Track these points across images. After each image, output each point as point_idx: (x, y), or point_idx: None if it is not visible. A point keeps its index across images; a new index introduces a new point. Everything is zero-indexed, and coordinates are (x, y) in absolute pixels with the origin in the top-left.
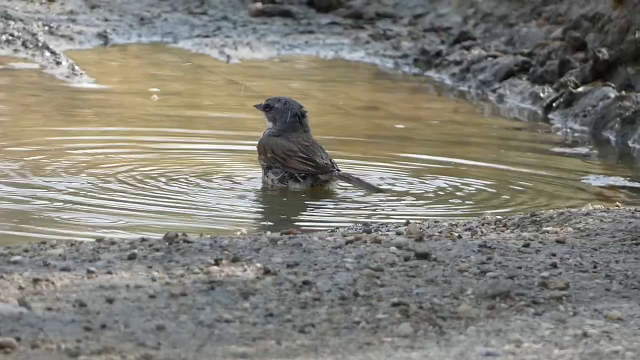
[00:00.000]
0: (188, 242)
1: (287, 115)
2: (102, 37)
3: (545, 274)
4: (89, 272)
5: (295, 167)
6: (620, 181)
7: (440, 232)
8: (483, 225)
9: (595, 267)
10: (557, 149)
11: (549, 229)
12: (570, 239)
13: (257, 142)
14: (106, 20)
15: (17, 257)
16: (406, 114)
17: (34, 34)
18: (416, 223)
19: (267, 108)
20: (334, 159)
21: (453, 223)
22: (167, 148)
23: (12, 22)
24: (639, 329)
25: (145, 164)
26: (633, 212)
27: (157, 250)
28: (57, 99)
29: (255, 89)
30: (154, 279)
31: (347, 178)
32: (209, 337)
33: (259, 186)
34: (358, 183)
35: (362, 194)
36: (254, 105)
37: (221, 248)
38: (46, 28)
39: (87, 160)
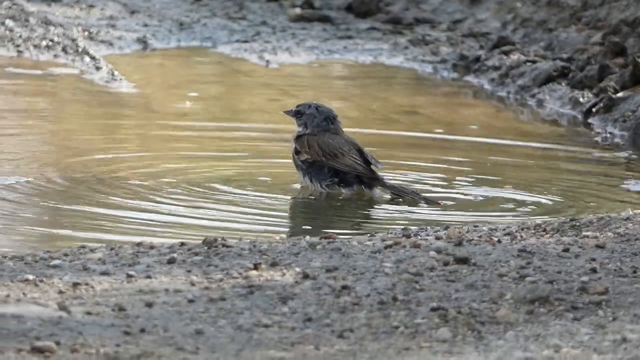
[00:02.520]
0: (227, 246)
1: (320, 119)
2: (142, 42)
3: (584, 278)
4: (129, 276)
5: (348, 164)
6: None
7: (479, 237)
8: (522, 230)
9: (635, 272)
10: (596, 154)
11: (588, 233)
12: (610, 243)
13: (293, 139)
14: (145, 25)
15: (57, 261)
16: (445, 119)
17: (73, 40)
18: (456, 227)
19: (297, 114)
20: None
21: (492, 227)
22: (205, 152)
23: (52, 28)
24: None
25: (184, 168)
26: None
27: (196, 254)
28: (97, 103)
29: (295, 94)
30: (193, 284)
31: (393, 188)
32: (248, 341)
33: (298, 190)
34: (405, 194)
35: (401, 198)
36: (284, 112)
37: (260, 252)
38: (86, 33)
39: (127, 164)
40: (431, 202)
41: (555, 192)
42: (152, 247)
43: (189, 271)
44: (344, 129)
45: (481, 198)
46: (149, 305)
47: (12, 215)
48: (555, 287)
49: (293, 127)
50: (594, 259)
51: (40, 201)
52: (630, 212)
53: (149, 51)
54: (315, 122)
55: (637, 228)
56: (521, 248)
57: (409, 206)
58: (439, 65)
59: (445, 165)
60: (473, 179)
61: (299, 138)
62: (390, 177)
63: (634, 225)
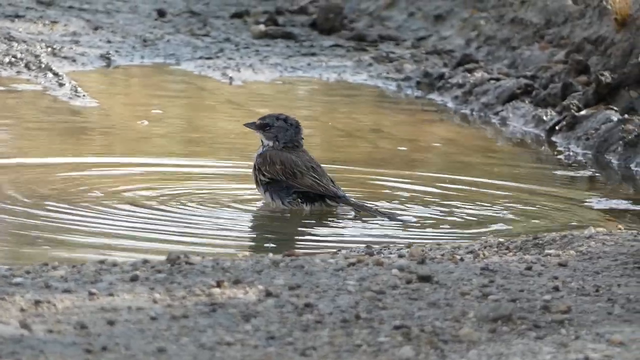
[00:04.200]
0: (190, 263)
1: (292, 131)
2: (105, 58)
3: (547, 297)
4: (91, 294)
5: (307, 185)
6: (622, 204)
7: (442, 255)
8: (485, 248)
9: (597, 290)
10: (559, 172)
11: (551, 252)
12: (572, 262)
13: (256, 156)
14: (109, 41)
15: (19, 279)
16: (408, 136)
17: (37, 56)
18: (418, 245)
19: (265, 127)
20: (337, 183)
21: (455, 246)
22: (168, 170)
23: (15, 44)
24: None
25: (146, 186)
26: (635, 236)
27: (159, 271)
28: (60, 120)
29: (259, 111)
30: (155, 301)
31: (356, 205)
32: (210, 359)
33: (261, 208)
34: (368, 211)
35: (365, 216)
36: (245, 124)
37: (223, 270)
38: (49, 49)
39: (89, 181)
40: (394, 219)
41: (518, 210)
42: (114, 264)
43: (151, 289)
44: (308, 147)
45: (443, 215)
46: (111, 323)
47: None
48: (518, 305)
49: (255, 145)
50: (556, 278)
51: (2, 218)
52: (593, 231)
53: (113, 68)
54: (288, 135)
55: (600, 246)
56: (484, 266)
57: (372, 224)
58: (402, 83)
59: (408, 183)
60: (436, 197)
61: (261, 154)
62: (352, 194)
63: (596, 244)
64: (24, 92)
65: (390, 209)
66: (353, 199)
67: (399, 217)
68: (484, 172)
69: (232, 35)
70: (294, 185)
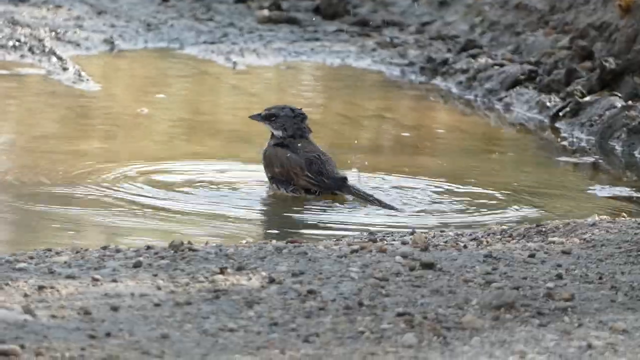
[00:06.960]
0: (193, 250)
1: (298, 121)
2: (109, 43)
3: (550, 284)
4: (94, 279)
5: (302, 186)
6: (626, 192)
7: (445, 242)
8: (489, 235)
9: (600, 278)
10: (563, 159)
11: (554, 239)
12: (575, 249)
13: (262, 152)
14: (113, 26)
15: (23, 264)
16: (412, 122)
17: (40, 40)
18: (422, 232)
19: (271, 118)
20: (343, 171)
21: (459, 233)
22: (171, 154)
23: (19, 28)
24: None
25: (150, 170)
26: (639, 223)
27: (163, 258)
28: (63, 104)
29: (263, 96)
30: (159, 287)
31: (358, 195)
32: (213, 346)
33: (265, 194)
34: (360, 197)
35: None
36: (250, 117)
37: (226, 256)
38: (53, 34)
39: (93, 166)
40: (392, 208)
41: (522, 197)
42: (118, 250)
43: (155, 275)
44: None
45: (447, 202)
46: (115, 309)
47: None
48: (521, 293)
49: (260, 129)
50: (559, 265)
51: (5, 203)
52: (597, 218)
53: (116, 52)
54: (296, 125)
55: (603, 234)
56: (487, 253)
57: (375, 210)
58: (406, 68)
59: (411, 169)
60: (439, 183)
61: (265, 154)
62: (353, 179)
63: (599, 231)
64: (28, 76)
65: (393, 194)
66: (353, 190)
67: (389, 205)
68: (487, 158)
69: (236, 20)
70: (296, 185)
